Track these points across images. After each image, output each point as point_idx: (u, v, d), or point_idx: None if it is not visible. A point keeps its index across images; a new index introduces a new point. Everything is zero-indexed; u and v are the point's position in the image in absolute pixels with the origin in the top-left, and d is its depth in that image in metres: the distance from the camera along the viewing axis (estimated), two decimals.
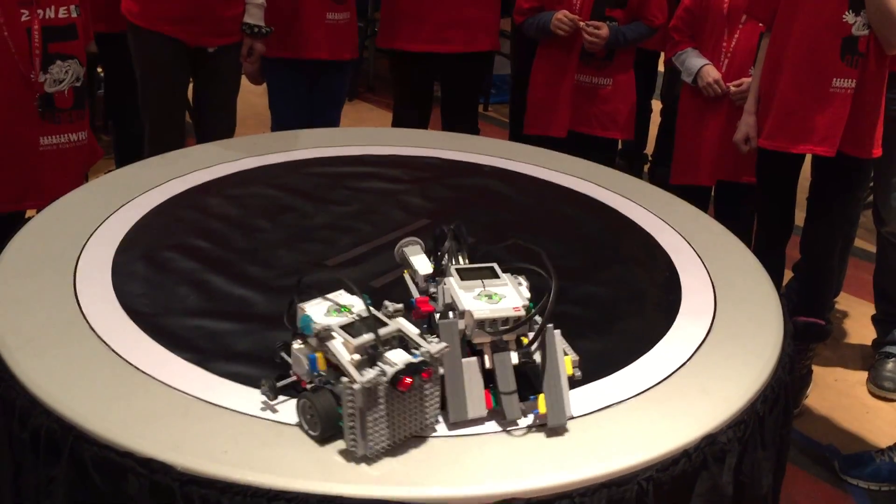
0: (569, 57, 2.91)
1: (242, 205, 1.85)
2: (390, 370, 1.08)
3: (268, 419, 1.17)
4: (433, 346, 1.13)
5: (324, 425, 1.12)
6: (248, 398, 1.21)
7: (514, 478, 1.10)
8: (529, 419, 1.19)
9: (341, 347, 1.11)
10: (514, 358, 1.20)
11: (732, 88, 2.73)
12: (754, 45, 2.66)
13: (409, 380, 1.08)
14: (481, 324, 1.18)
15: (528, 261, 1.29)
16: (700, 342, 1.43)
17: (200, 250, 1.64)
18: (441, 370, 1.16)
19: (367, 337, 1.11)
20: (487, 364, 1.20)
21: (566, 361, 1.19)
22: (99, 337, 1.33)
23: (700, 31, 2.83)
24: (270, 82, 3.06)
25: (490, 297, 1.21)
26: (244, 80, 2.98)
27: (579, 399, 1.25)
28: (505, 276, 1.27)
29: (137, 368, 1.27)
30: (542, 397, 1.18)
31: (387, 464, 1.11)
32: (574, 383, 1.28)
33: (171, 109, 2.80)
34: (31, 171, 2.31)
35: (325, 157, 2.14)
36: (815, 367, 2.81)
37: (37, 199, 2.31)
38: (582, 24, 2.83)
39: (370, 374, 1.07)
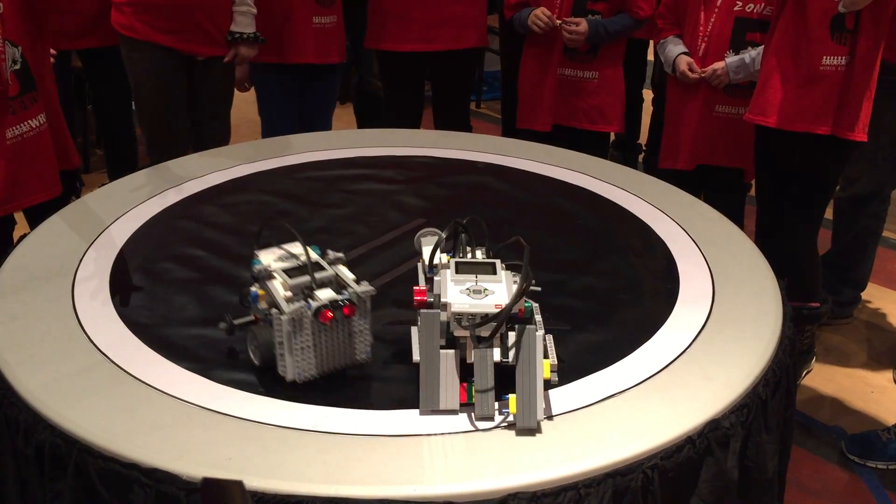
0: (551, 52, 2.89)
1: (238, 212, 1.85)
2: (315, 304, 1.21)
3: (270, 424, 1.18)
4: (360, 287, 1.26)
5: (263, 355, 1.27)
6: (249, 405, 1.22)
7: (519, 472, 1.10)
8: (500, 418, 1.18)
9: (279, 286, 1.26)
10: (497, 355, 1.19)
11: (701, 73, 2.71)
12: (730, 29, 2.66)
13: (330, 314, 1.21)
14: (459, 317, 1.18)
15: (519, 257, 1.28)
16: (700, 328, 1.43)
17: (197, 259, 1.64)
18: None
19: (302, 279, 1.26)
20: (469, 359, 1.20)
21: (545, 365, 1.17)
22: (99, 350, 1.34)
23: (682, 16, 2.83)
24: (259, 89, 3.06)
25: (478, 292, 1.21)
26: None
27: (581, 390, 1.26)
28: (502, 274, 1.26)
29: (139, 380, 1.27)
30: (513, 397, 1.16)
31: (391, 463, 1.11)
32: (575, 374, 1.28)
33: (170, 117, 2.79)
34: (5, 166, 2.11)
35: (318, 160, 2.14)
36: (818, 351, 2.80)
37: (20, 196, 2.13)
38: (559, 21, 2.81)
39: (296, 305, 1.22)
